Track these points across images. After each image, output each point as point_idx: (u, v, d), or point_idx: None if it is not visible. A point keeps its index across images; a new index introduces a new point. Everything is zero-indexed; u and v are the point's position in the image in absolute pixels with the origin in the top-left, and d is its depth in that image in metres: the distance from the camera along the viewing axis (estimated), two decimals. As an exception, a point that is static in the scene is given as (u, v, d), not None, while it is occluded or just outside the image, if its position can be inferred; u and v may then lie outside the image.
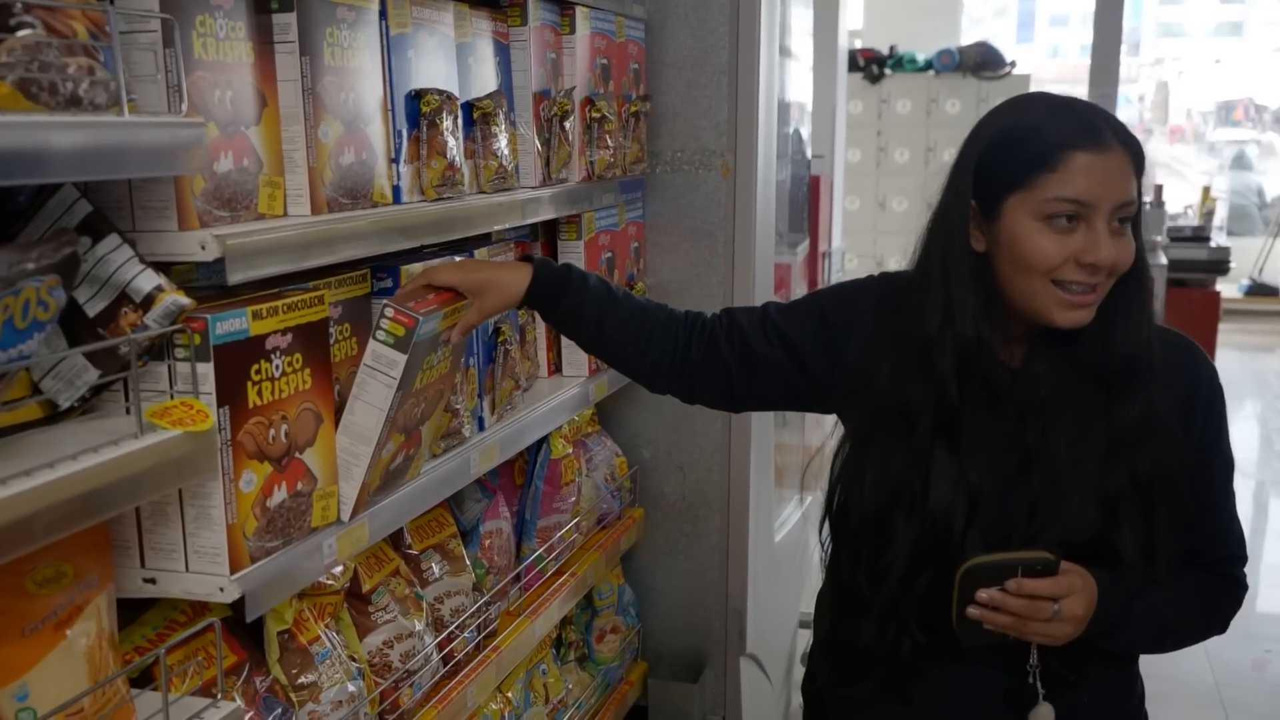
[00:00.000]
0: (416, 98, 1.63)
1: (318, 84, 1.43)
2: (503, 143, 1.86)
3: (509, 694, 2.10)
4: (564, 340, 2.26)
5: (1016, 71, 10.59)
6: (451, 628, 1.83)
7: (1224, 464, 1.49)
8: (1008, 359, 1.45)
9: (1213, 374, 1.48)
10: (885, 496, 1.43)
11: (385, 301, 1.45)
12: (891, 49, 10.42)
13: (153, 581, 1.32)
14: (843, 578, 1.53)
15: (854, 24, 11.01)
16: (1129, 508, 1.40)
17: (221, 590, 1.29)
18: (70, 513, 1.08)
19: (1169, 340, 1.48)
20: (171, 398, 1.25)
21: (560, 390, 2.18)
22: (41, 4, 1.07)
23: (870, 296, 1.57)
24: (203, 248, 1.23)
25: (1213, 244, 6.78)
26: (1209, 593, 1.52)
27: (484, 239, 1.96)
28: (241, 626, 1.51)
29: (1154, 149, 14.25)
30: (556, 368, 2.29)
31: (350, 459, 1.49)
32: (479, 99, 1.81)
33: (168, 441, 1.18)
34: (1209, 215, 7.32)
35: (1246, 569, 1.53)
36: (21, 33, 1.04)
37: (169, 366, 1.25)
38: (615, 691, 2.55)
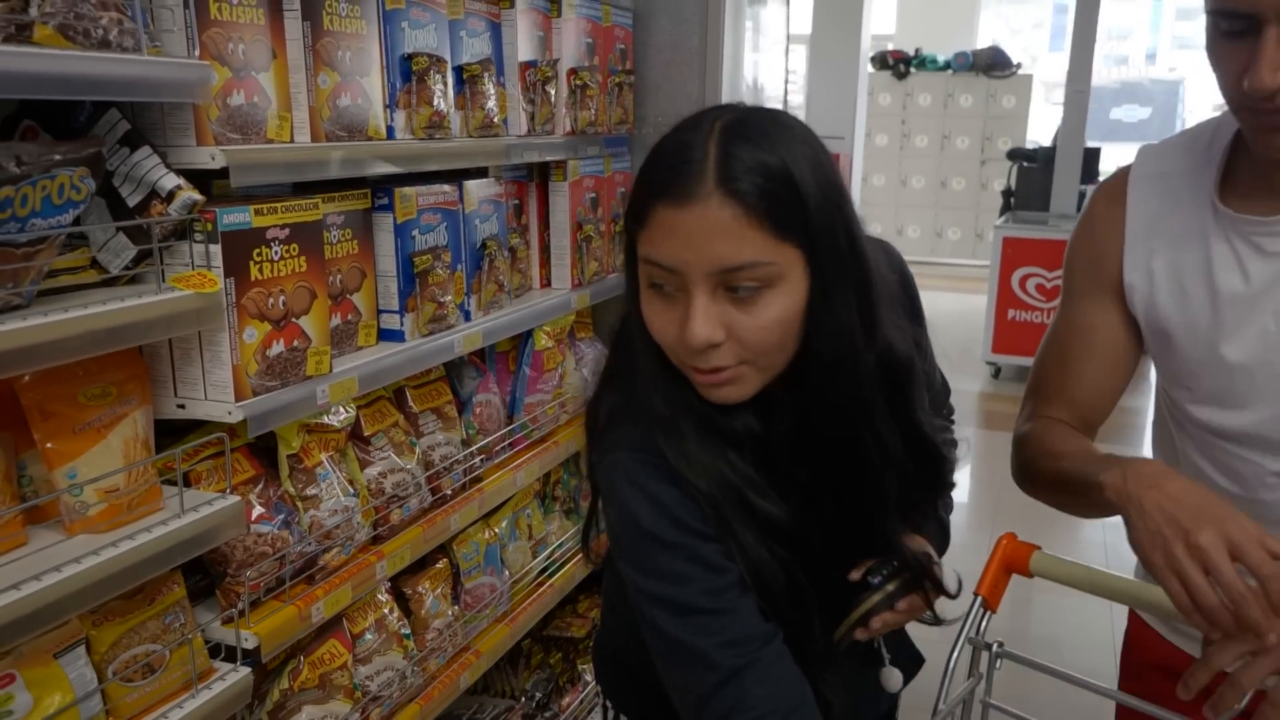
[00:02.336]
0: (408, 59, 1.76)
1: (317, 43, 1.56)
2: (491, 100, 1.98)
3: (496, 528, 2.25)
4: (553, 256, 2.38)
5: (1028, 72, 10.39)
6: (439, 468, 1.98)
7: (924, 327, 1.19)
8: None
9: (903, 262, 1.19)
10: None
11: None
12: (916, 51, 10.27)
13: (183, 407, 1.48)
14: None
15: (886, 29, 10.84)
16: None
17: (230, 414, 1.45)
18: (106, 338, 1.25)
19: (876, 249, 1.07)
20: (192, 269, 1.41)
21: (546, 298, 2.30)
22: (80, -29, 1.21)
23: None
24: (212, 159, 1.38)
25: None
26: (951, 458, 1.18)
27: (480, 172, 2.10)
28: (263, 450, 1.68)
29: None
30: (547, 282, 2.41)
31: None
32: (469, 64, 1.93)
33: (180, 298, 1.34)
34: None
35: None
36: (62, -9, 1.18)
37: (190, 246, 1.40)
38: (596, 540, 2.68)
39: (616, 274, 2.59)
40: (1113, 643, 1.32)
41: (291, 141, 1.55)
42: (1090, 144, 6.56)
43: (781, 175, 0.89)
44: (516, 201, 2.27)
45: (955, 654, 1.19)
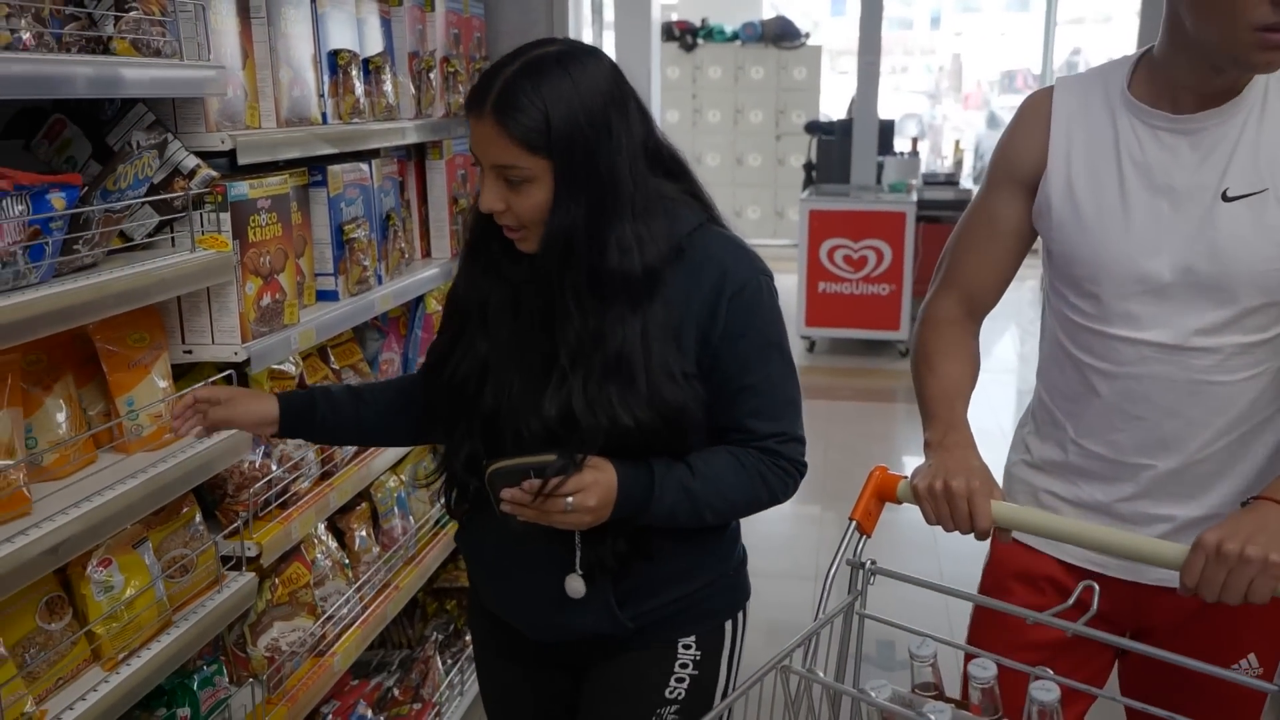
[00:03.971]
0: (335, 54, 2.36)
1: (277, 44, 2.15)
2: (389, 87, 2.60)
3: (402, 475, 2.86)
4: (431, 229, 3.01)
5: (814, 41, 11.56)
6: (365, 415, 2.58)
7: (758, 350, 1.60)
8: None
9: (745, 275, 1.60)
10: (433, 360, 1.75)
11: None
12: (703, 21, 11.25)
13: (189, 352, 2.04)
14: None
15: (670, -1, 11.83)
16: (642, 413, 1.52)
17: (236, 354, 2.02)
18: (167, 287, 1.80)
19: (721, 249, 1.62)
20: (203, 233, 1.98)
21: (429, 267, 2.93)
22: (137, -4, 1.78)
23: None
24: (222, 142, 1.96)
25: (960, 187, 7.83)
26: (746, 465, 1.61)
27: (373, 153, 2.71)
28: (235, 395, 2.23)
29: (949, 111, 15.17)
30: (428, 252, 3.04)
31: None
32: (372, 56, 2.55)
33: (208, 256, 1.91)
34: (959, 164, 8.40)
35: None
36: (131, 12, 1.75)
37: (201, 215, 1.97)
38: (476, 496, 3.32)
39: (485, 244, 3.23)
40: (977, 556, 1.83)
41: (260, 127, 2.14)
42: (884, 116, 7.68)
43: (537, 111, 1.43)
44: (400, 179, 2.89)
45: (833, 572, 1.43)
